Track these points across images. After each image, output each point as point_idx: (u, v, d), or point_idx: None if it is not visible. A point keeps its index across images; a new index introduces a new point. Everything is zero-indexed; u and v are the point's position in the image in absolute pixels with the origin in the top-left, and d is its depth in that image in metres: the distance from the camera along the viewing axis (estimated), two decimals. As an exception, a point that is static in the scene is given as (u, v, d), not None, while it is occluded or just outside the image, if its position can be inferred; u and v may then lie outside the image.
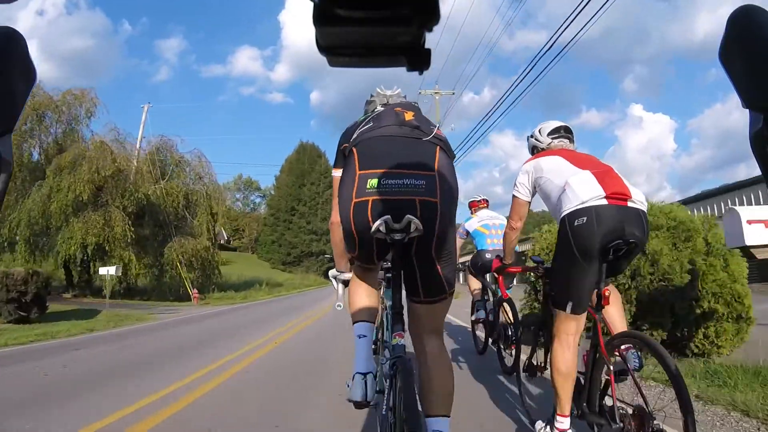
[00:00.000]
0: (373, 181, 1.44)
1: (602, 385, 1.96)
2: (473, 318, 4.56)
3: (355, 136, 1.61)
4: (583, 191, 1.90)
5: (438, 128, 1.63)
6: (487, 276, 4.47)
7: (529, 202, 2.30)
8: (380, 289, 1.89)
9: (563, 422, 1.99)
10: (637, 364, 1.88)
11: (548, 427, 2.09)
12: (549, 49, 7.63)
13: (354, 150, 1.55)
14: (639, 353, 1.91)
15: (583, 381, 2.02)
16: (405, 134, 1.54)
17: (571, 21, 6.55)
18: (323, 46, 0.37)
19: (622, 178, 1.97)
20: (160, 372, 4.42)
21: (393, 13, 0.35)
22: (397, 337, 1.52)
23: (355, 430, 2.58)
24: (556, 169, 2.13)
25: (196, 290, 18.51)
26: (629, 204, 1.90)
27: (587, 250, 1.86)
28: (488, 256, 4.23)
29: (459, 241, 4.80)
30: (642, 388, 1.74)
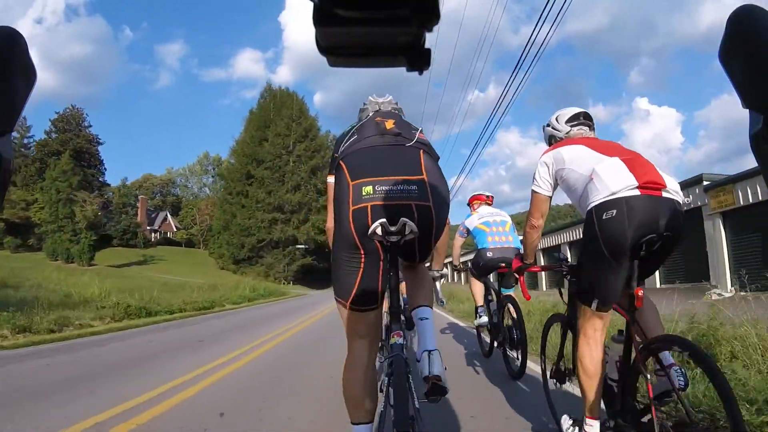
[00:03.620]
0: (368, 188, 1.58)
1: (637, 392, 1.88)
2: (476, 323, 4.61)
3: (342, 149, 1.77)
4: (612, 181, 1.81)
5: (420, 132, 1.79)
6: (490, 276, 4.53)
7: (551, 197, 2.21)
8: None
9: (593, 425, 1.91)
10: (683, 383, 1.78)
11: (576, 428, 2.04)
12: (535, 39, 7.63)
13: (342, 163, 1.70)
14: (683, 369, 1.82)
15: (616, 389, 1.92)
16: (388, 143, 1.71)
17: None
18: (323, 47, 0.40)
19: (654, 166, 1.88)
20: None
21: (393, 13, 0.38)
22: (395, 336, 1.65)
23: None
24: (579, 158, 2.04)
25: None
26: (664, 194, 1.80)
27: (617, 247, 1.77)
28: (490, 254, 4.27)
29: (459, 240, 4.76)
30: (685, 400, 1.65)
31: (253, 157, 52.63)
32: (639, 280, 1.85)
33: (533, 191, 2.22)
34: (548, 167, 2.15)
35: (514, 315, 3.93)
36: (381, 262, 1.64)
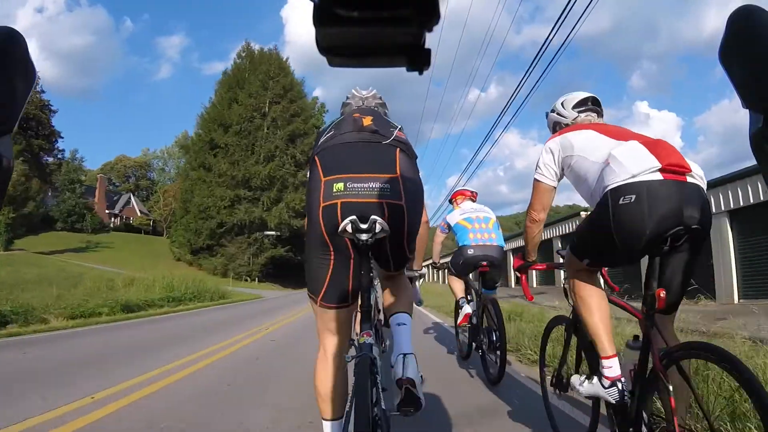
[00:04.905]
0: (339, 185, 1.61)
1: (652, 407, 1.75)
2: (462, 313, 4.42)
3: (317, 144, 1.79)
4: (632, 163, 1.66)
5: (399, 130, 1.80)
6: (471, 275, 4.46)
7: (555, 188, 2.09)
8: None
9: (611, 365, 1.79)
10: None
11: (594, 377, 1.87)
12: (550, 42, 7.62)
13: (316, 158, 1.74)
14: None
15: (629, 400, 1.78)
16: (364, 139, 1.72)
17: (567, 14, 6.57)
18: (323, 47, 0.41)
19: (676, 148, 1.72)
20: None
21: (393, 14, 0.39)
22: (364, 335, 1.66)
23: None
24: (590, 145, 1.91)
25: None
26: (689, 179, 1.64)
27: (631, 239, 1.64)
28: (471, 252, 4.19)
29: (440, 236, 4.69)
30: (710, 415, 1.50)
31: (219, 121, 42.63)
32: (679, 284, 1.71)
33: (536, 180, 2.10)
34: (554, 154, 2.03)
35: (494, 316, 3.83)
36: (351, 261, 1.68)
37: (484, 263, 4.18)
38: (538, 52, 7.94)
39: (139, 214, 64.75)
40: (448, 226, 4.51)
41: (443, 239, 4.75)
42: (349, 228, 1.55)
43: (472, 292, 4.43)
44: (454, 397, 3.39)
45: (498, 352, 3.70)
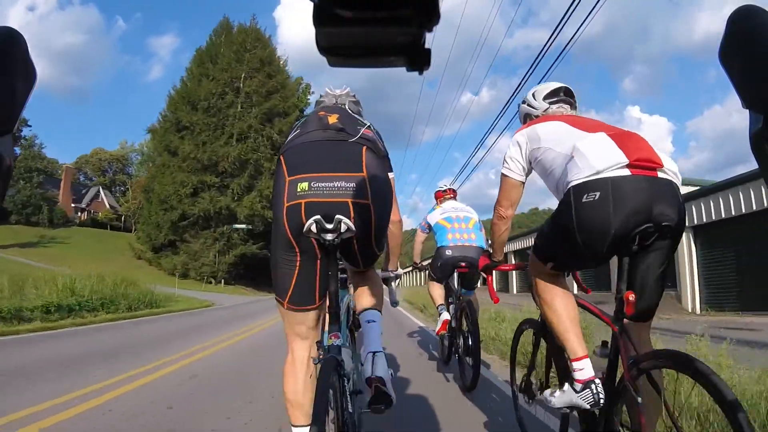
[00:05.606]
0: (304, 185, 1.60)
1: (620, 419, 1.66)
2: (439, 321, 4.28)
3: (284, 144, 1.78)
4: (596, 158, 1.57)
5: (367, 128, 1.79)
6: (453, 278, 4.36)
7: (523, 183, 2.01)
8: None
9: (582, 367, 1.66)
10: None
11: (565, 384, 1.75)
12: (549, 48, 7.60)
13: (281, 158, 1.72)
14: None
15: (597, 412, 1.69)
16: (329, 137, 1.70)
17: (567, 18, 6.56)
18: (323, 47, 0.41)
19: (647, 142, 1.64)
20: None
21: (393, 14, 0.39)
22: (332, 337, 1.64)
23: None
24: (557, 136, 1.83)
25: None
26: (659, 174, 1.56)
27: (595, 240, 1.56)
28: (449, 252, 4.14)
29: (422, 235, 4.63)
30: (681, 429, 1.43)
31: (187, 99, 37.23)
32: (652, 288, 1.61)
33: (503, 175, 2.02)
34: (521, 147, 1.95)
35: (470, 320, 3.74)
36: (318, 261, 1.66)
37: (463, 264, 4.09)
38: (537, 58, 7.86)
39: (108, 207, 60.59)
40: (429, 225, 4.45)
41: (424, 238, 4.66)
42: (313, 228, 1.54)
43: (453, 295, 4.29)
44: (427, 403, 3.33)
45: (472, 357, 3.59)
